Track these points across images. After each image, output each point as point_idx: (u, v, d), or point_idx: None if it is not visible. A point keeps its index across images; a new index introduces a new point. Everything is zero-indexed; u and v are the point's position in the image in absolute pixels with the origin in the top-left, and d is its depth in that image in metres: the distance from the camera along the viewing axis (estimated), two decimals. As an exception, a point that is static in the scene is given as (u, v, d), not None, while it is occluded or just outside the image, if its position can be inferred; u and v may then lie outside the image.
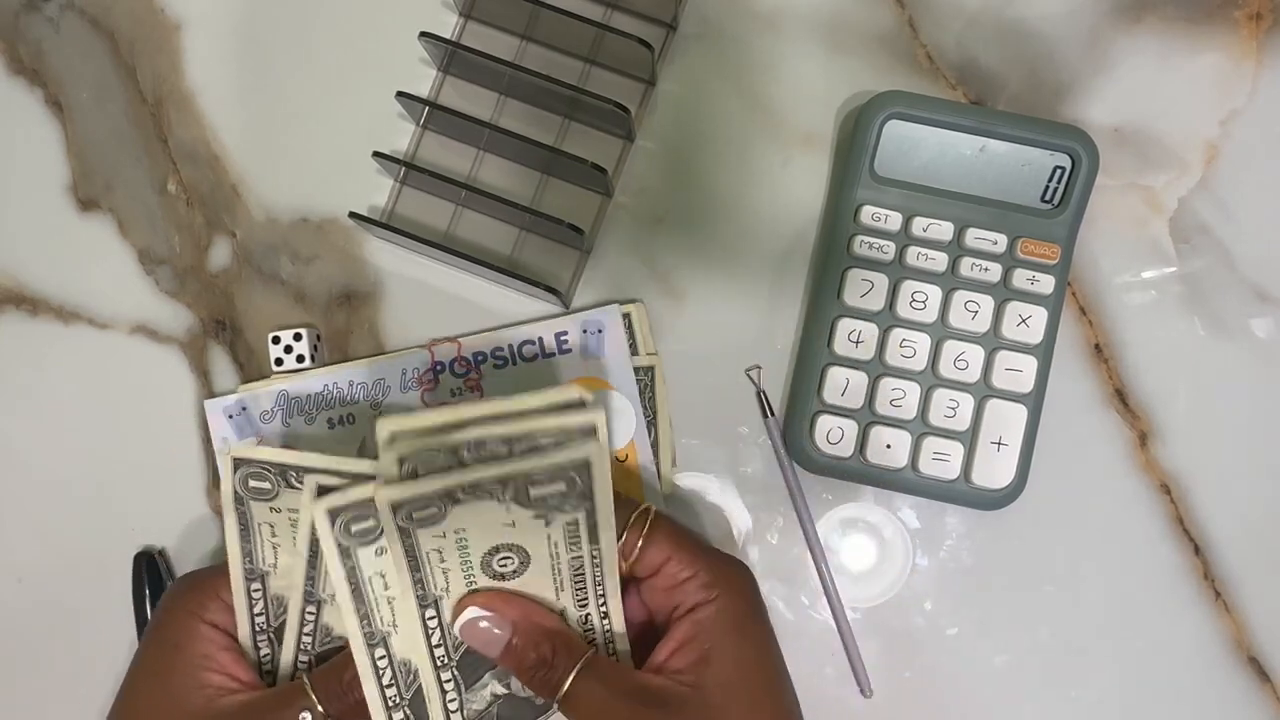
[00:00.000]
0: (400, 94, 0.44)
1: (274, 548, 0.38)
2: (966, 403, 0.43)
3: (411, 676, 0.37)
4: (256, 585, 0.39)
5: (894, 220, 0.44)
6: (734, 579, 0.37)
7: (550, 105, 0.47)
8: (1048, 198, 0.44)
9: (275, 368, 0.46)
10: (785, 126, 0.47)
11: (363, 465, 0.36)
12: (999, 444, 0.43)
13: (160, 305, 0.48)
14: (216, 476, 0.46)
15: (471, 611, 0.36)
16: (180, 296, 0.48)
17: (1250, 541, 0.45)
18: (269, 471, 0.37)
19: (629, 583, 0.39)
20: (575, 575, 0.37)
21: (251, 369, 0.47)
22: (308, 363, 0.46)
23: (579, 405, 0.35)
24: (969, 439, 0.43)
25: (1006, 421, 0.43)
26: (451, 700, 0.37)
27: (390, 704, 0.37)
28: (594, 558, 0.36)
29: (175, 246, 0.48)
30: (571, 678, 0.35)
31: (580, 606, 0.37)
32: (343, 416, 0.46)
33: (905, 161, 0.44)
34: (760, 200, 0.47)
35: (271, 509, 0.37)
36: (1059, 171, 0.44)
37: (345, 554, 0.35)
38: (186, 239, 0.48)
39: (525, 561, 0.36)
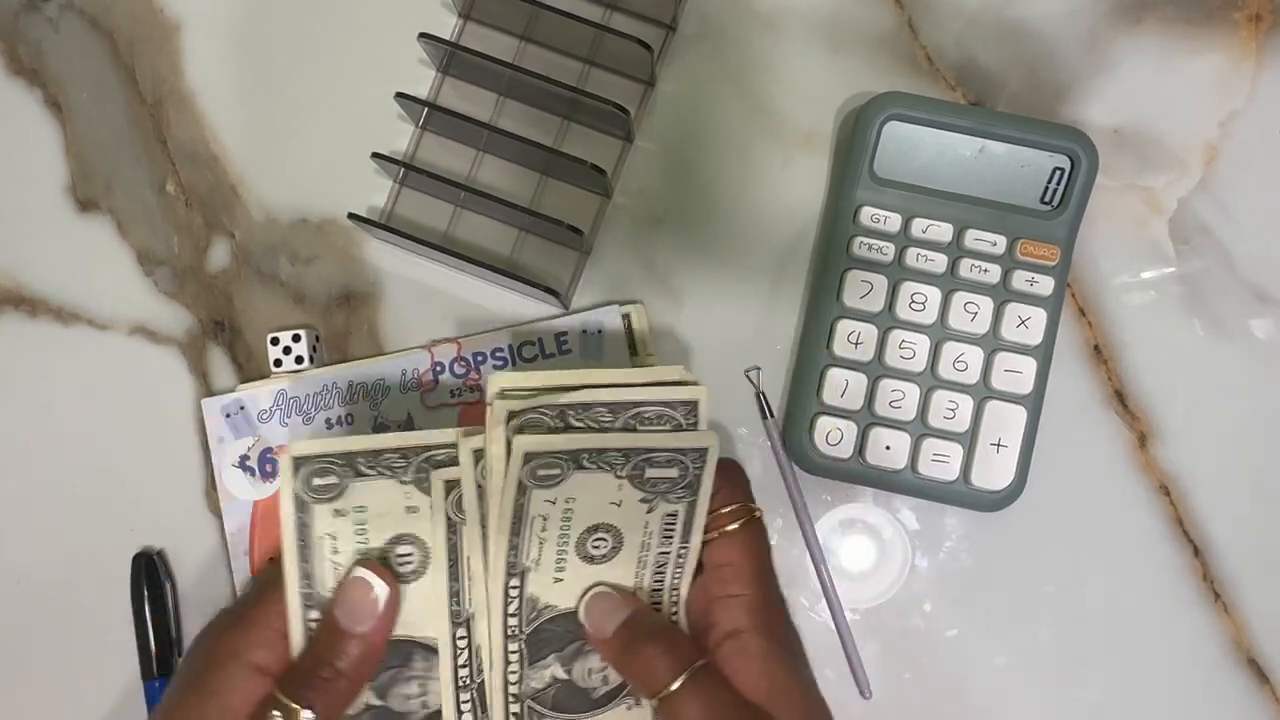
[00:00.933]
0: (399, 95, 0.44)
1: (334, 569, 0.34)
2: (966, 404, 0.43)
3: None
4: (315, 615, 0.35)
5: (893, 221, 0.44)
6: (778, 616, 0.36)
7: (549, 106, 0.47)
8: (1047, 199, 0.44)
9: (274, 368, 0.46)
10: (785, 127, 0.47)
11: (439, 436, 0.34)
12: (998, 445, 0.43)
13: (159, 306, 0.48)
14: (215, 477, 0.46)
15: (603, 588, 0.36)
16: (179, 297, 0.48)
17: (1250, 542, 0.45)
18: (335, 465, 0.34)
19: None
20: (656, 572, 0.36)
21: (251, 370, 0.47)
22: (306, 363, 0.46)
23: (681, 383, 0.34)
24: (968, 440, 0.43)
25: (1006, 423, 0.43)
26: (513, 672, 0.36)
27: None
28: (679, 557, 0.36)
29: (174, 247, 0.48)
30: (681, 679, 0.34)
31: (652, 607, 0.37)
32: (341, 417, 0.46)
33: (905, 162, 0.44)
34: (760, 201, 0.47)
35: (336, 512, 0.34)
36: (1058, 172, 0.43)
37: (301, 507, 0.34)
38: (186, 240, 0.48)
39: (618, 547, 0.36)
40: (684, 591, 0.37)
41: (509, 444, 0.32)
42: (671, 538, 0.36)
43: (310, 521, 0.34)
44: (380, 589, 0.34)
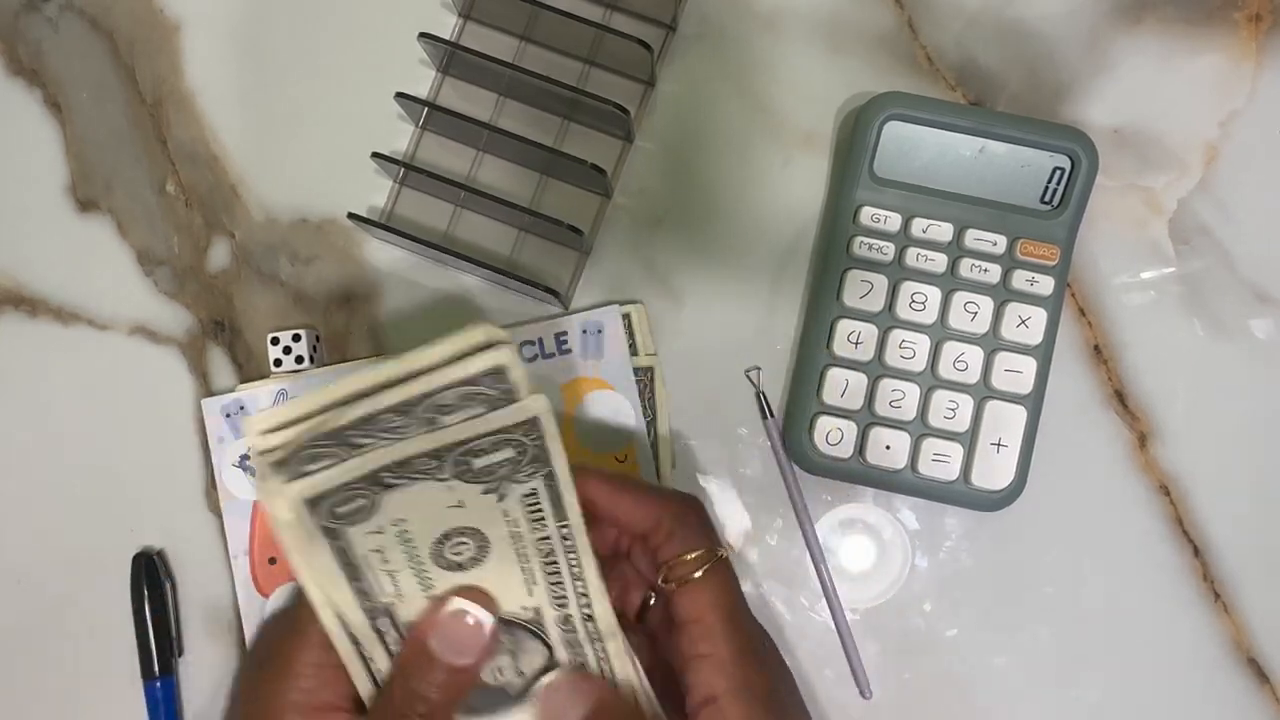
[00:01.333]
0: (399, 95, 0.44)
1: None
2: (966, 404, 0.43)
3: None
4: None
5: (893, 221, 0.44)
6: (756, 669, 0.33)
7: (549, 106, 0.47)
8: (1047, 199, 0.44)
9: (274, 368, 0.46)
10: (785, 126, 0.47)
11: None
12: (998, 445, 0.43)
13: (159, 306, 0.48)
14: (215, 477, 0.46)
15: (557, 675, 0.33)
16: (179, 297, 0.48)
17: (1250, 542, 0.45)
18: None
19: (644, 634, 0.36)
20: (547, 562, 0.33)
21: (251, 370, 0.47)
22: (306, 364, 0.46)
23: (484, 347, 0.28)
24: (968, 440, 0.43)
25: (1006, 422, 0.43)
26: None
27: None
28: (564, 536, 0.32)
29: (174, 247, 0.48)
30: None
31: (558, 605, 0.33)
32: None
33: (905, 162, 0.44)
34: (760, 200, 0.47)
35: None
36: (1058, 172, 0.43)
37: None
38: (185, 240, 0.48)
39: (484, 545, 0.32)
40: (597, 595, 0.33)
41: (284, 497, 0.28)
42: (543, 519, 0.32)
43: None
44: (485, 618, 0.32)
